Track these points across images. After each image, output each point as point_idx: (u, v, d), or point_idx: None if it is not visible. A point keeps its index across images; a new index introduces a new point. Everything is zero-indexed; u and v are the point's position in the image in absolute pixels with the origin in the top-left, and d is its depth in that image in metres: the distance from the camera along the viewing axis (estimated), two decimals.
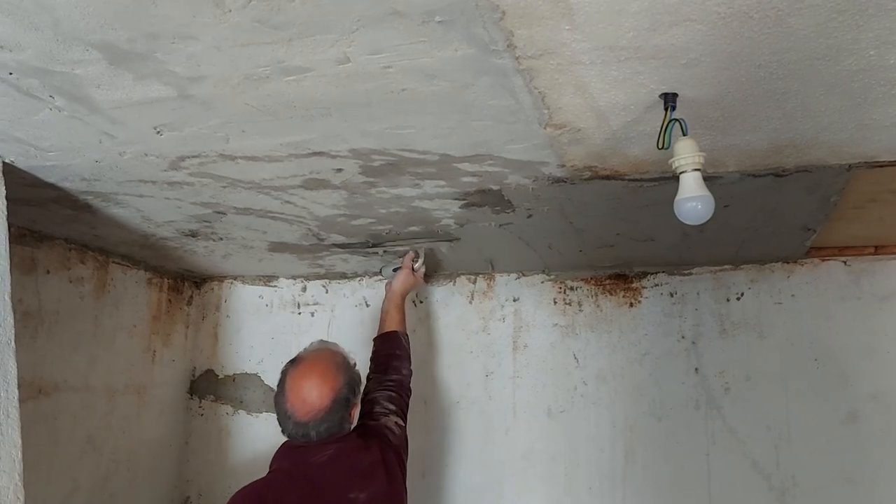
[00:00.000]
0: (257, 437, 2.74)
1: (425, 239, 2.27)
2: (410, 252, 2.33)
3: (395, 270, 2.36)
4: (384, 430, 1.98)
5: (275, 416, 2.71)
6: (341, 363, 1.88)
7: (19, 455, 1.54)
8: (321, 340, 2.01)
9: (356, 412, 1.89)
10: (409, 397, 2.15)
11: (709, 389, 2.37)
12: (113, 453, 2.43)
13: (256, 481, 1.81)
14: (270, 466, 1.87)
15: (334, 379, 1.83)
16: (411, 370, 2.20)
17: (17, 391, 1.55)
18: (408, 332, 2.28)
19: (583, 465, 2.45)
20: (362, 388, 1.94)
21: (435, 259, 2.48)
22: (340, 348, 1.95)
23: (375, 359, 2.19)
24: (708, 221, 1.92)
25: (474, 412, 2.60)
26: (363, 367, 2.08)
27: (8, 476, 1.51)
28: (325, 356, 1.89)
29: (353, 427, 1.88)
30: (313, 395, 1.80)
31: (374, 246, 2.33)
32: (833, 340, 2.28)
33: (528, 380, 2.57)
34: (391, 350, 2.19)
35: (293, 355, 2.76)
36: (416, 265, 2.34)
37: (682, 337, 2.42)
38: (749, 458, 2.29)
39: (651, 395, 2.42)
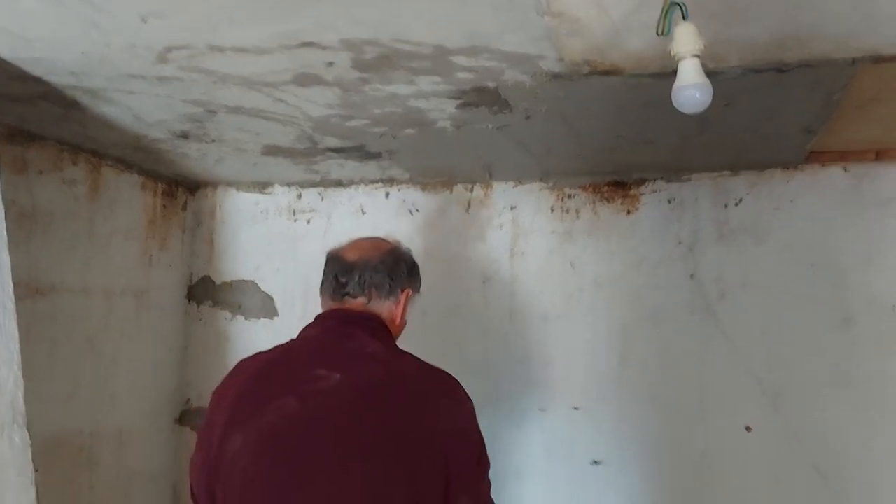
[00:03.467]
0: (256, 342, 2.77)
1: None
2: None
3: None
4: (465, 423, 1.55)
5: (272, 321, 2.79)
6: (406, 249, 1.74)
7: (17, 347, 1.56)
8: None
9: (407, 299, 1.67)
10: None
11: (704, 295, 2.38)
12: (113, 355, 2.47)
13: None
14: None
15: (395, 245, 1.70)
16: None
17: (11, 284, 1.55)
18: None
19: (577, 369, 2.49)
20: (417, 286, 1.73)
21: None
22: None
23: None
24: (708, 122, 1.90)
25: (471, 319, 2.62)
26: None
27: (7, 367, 1.53)
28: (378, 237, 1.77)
29: (389, 316, 1.63)
30: (369, 244, 1.67)
31: None
32: (830, 246, 2.28)
33: (525, 286, 2.59)
34: None
35: (290, 263, 2.81)
36: None
37: (680, 243, 2.42)
38: (742, 362, 2.32)
39: (647, 301, 2.44)
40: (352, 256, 1.64)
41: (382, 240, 1.74)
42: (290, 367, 1.52)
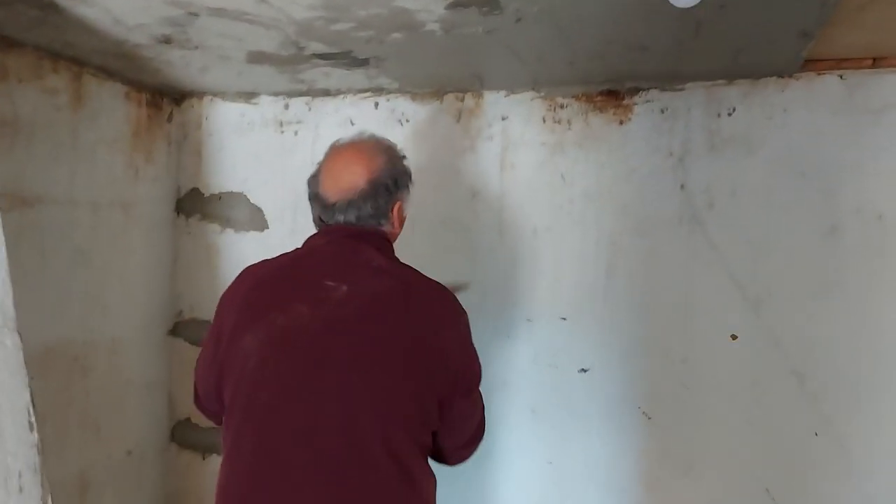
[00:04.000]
0: (245, 254, 2.78)
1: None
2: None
3: None
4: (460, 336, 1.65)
5: (262, 234, 2.79)
6: (386, 147, 1.69)
7: (3, 252, 1.55)
8: (372, 134, 1.78)
9: (399, 213, 1.68)
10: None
11: (693, 205, 2.38)
12: (103, 266, 2.47)
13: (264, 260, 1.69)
14: None
15: (372, 159, 1.63)
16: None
17: None
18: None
19: (565, 281, 2.51)
20: (409, 186, 1.72)
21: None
22: (392, 142, 1.75)
23: None
24: (702, 25, 1.85)
25: (460, 231, 2.62)
26: None
27: None
28: (370, 139, 1.71)
29: (389, 231, 1.67)
30: (347, 170, 1.61)
31: None
32: (821, 155, 2.26)
33: (514, 199, 2.58)
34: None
35: (278, 175, 2.78)
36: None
37: (671, 154, 2.40)
38: (727, 271, 2.34)
39: (636, 212, 2.43)
40: (331, 195, 1.62)
41: (360, 153, 1.66)
42: (298, 275, 1.57)
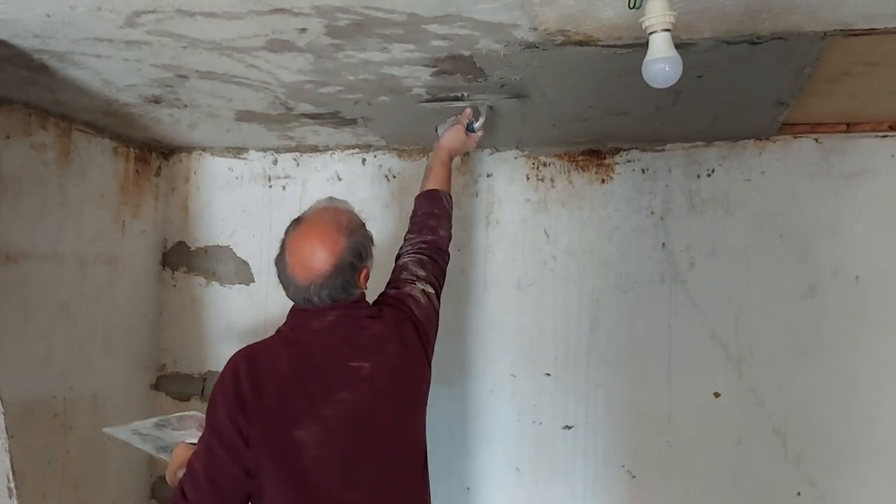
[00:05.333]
0: (231, 307, 2.78)
1: (488, 94, 2.02)
2: (468, 109, 2.10)
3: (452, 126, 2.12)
4: (406, 300, 1.86)
5: (248, 287, 2.80)
6: (346, 224, 1.72)
7: None
8: (329, 197, 1.83)
9: (365, 277, 1.76)
10: (445, 262, 2.04)
11: (674, 264, 2.41)
12: (87, 321, 2.46)
13: (255, 343, 1.73)
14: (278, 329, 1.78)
15: (336, 241, 1.68)
16: (451, 234, 2.07)
17: None
18: (450, 193, 2.11)
19: (549, 336, 2.53)
20: (372, 250, 1.77)
21: (494, 120, 2.22)
22: (348, 206, 1.79)
23: (413, 218, 2.06)
24: (681, 93, 1.90)
25: (446, 286, 2.62)
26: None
27: None
28: (328, 216, 1.73)
29: (362, 292, 1.76)
30: (313, 258, 1.66)
31: (431, 101, 2.10)
32: (799, 217, 2.31)
33: (499, 254, 2.61)
34: (430, 209, 2.04)
35: (265, 229, 2.80)
36: (477, 125, 2.10)
37: (652, 213, 2.45)
38: (709, 329, 2.37)
39: (618, 269, 2.47)
40: (301, 279, 1.67)
41: (322, 237, 1.69)
42: (323, 363, 1.68)
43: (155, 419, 1.93)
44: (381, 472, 1.69)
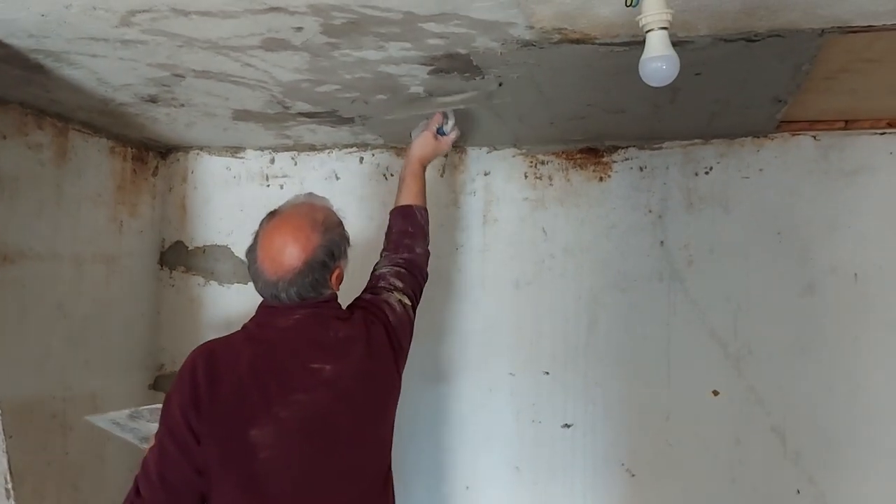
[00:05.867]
0: (229, 307, 2.78)
1: (458, 94, 1.96)
2: (437, 114, 2.06)
3: (422, 133, 2.09)
4: (381, 305, 1.82)
5: (247, 286, 2.79)
6: (321, 220, 1.68)
7: None
8: (309, 193, 1.81)
9: (338, 277, 1.72)
10: (423, 278, 1.97)
11: (672, 262, 2.41)
12: (84, 320, 2.45)
13: (216, 339, 1.69)
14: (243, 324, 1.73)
15: (309, 238, 1.64)
16: (427, 250, 2.01)
17: None
18: (425, 206, 2.06)
19: (547, 334, 2.52)
20: (347, 250, 1.74)
21: (470, 121, 2.18)
22: (327, 203, 1.76)
23: (388, 235, 2.02)
24: (679, 91, 1.90)
25: (443, 284, 2.63)
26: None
27: None
28: (303, 211, 1.70)
29: (333, 293, 1.72)
30: (284, 253, 1.62)
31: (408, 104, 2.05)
32: (797, 214, 2.31)
33: (496, 253, 2.60)
34: (404, 227, 2.00)
35: None
36: (447, 128, 2.05)
37: (650, 211, 2.44)
38: (707, 327, 2.37)
39: (616, 268, 2.46)
40: (270, 274, 1.64)
41: (295, 231, 1.65)
42: (282, 364, 1.63)
43: (128, 411, 1.90)
44: (337, 482, 1.62)
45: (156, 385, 2.82)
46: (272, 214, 1.72)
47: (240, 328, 1.71)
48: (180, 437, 1.54)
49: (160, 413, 1.62)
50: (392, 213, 2.05)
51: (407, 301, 1.87)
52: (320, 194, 1.81)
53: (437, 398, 2.59)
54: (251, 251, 1.69)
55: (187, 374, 1.58)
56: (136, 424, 1.87)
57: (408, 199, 2.04)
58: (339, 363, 1.65)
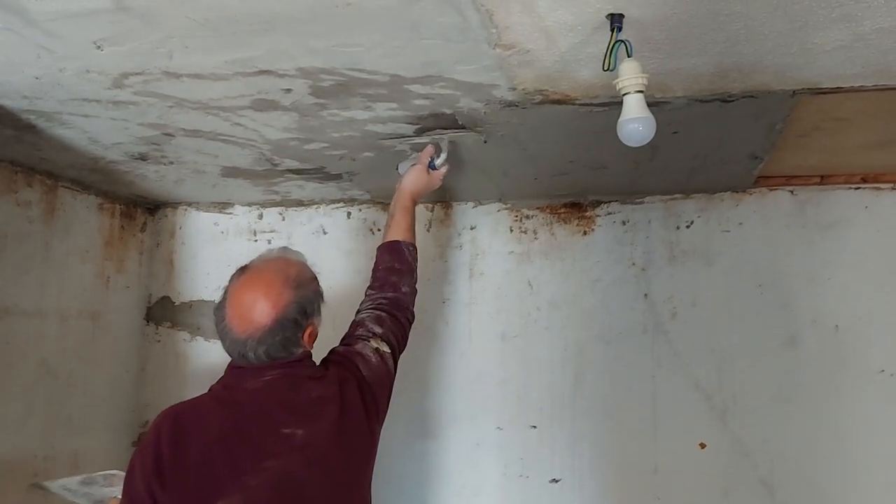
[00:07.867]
0: (215, 362, 2.73)
1: (448, 130, 1.90)
2: (429, 146, 1.96)
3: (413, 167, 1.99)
4: (354, 359, 1.71)
5: None
6: (294, 276, 1.60)
7: None
8: (283, 247, 1.74)
9: (310, 335, 1.62)
10: (408, 319, 1.87)
11: (656, 314, 2.44)
12: (69, 377, 2.44)
13: (183, 402, 1.61)
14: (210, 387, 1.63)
15: (280, 294, 1.55)
16: (415, 288, 1.91)
17: None
18: (414, 243, 1.96)
19: (534, 388, 2.53)
20: (321, 307, 1.65)
21: (459, 155, 2.09)
22: (300, 258, 1.67)
23: (374, 272, 1.91)
24: (658, 149, 1.95)
25: (430, 338, 2.64)
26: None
27: None
28: (276, 266, 1.62)
29: (305, 351, 1.62)
30: (253, 310, 1.53)
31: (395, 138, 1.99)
32: (777, 267, 2.35)
33: (483, 306, 2.62)
34: (391, 263, 1.89)
35: None
36: (439, 161, 1.96)
37: (633, 264, 2.48)
38: (692, 379, 2.38)
39: (601, 320, 2.49)
40: (239, 331, 1.55)
41: (266, 288, 1.57)
42: (252, 430, 1.53)
43: (80, 477, 1.84)
44: None
45: (139, 442, 2.78)
46: (243, 269, 1.63)
47: (206, 390, 1.62)
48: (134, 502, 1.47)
49: (120, 479, 1.54)
50: (379, 248, 1.96)
51: (385, 349, 1.76)
52: (308, 249, 1.76)
53: (423, 453, 2.57)
54: (219, 308, 1.60)
55: (151, 441, 1.49)
56: (89, 489, 1.79)
57: (396, 234, 1.94)
58: (311, 426, 1.55)
